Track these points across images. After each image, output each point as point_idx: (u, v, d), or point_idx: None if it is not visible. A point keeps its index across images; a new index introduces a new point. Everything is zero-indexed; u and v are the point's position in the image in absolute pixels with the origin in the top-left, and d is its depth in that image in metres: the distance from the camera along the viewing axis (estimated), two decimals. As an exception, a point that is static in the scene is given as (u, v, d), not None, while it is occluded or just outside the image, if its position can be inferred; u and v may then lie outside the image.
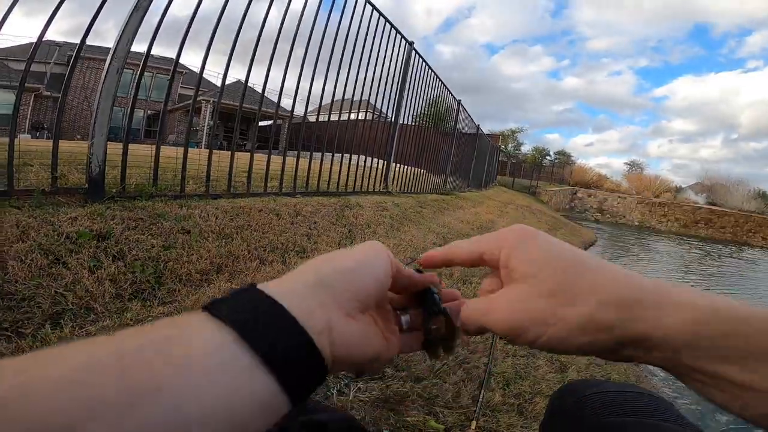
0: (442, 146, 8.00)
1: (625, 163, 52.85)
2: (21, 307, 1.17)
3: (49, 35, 1.84)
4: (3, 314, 1.12)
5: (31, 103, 15.96)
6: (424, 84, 5.96)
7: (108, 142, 2.00)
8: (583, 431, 0.47)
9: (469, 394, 1.29)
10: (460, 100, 8.44)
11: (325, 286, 0.25)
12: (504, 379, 1.48)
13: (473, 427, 1.09)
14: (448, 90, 7.40)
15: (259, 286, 0.24)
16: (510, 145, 39.21)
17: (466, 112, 9.40)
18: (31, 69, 1.90)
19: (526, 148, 41.57)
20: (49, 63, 16.00)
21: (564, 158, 39.24)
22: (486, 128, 16.20)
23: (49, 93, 16.07)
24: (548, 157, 39.20)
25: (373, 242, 0.31)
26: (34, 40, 1.78)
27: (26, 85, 1.89)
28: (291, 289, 0.25)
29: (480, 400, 1.24)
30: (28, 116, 15.67)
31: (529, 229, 0.30)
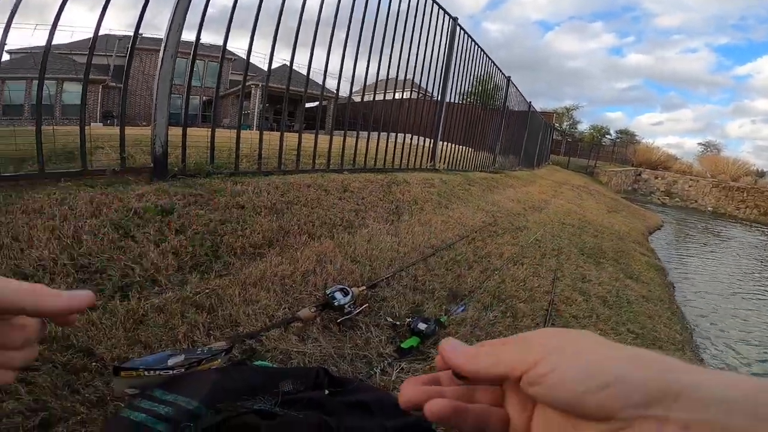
0: (490, 124, 7.73)
1: (699, 144, 47.77)
2: (94, 279, 1.27)
3: (112, 29, 1.96)
4: (77, 286, 1.22)
5: (100, 94, 17.32)
6: (470, 61, 5.73)
7: (168, 127, 2.12)
8: None
9: None
10: (509, 77, 8.08)
11: None
12: None
13: None
14: (497, 66, 7.08)
15: None
16: (565, 123, 36.88)
17: (517, 89, 8.99)
18: (95, 62, 2.04)
19: (584, 127, 38.89)
20: (111, 56, 17.20)
21: (627, 137, 36.29)
22: (538, 106, 15.31)
23: (114, 83, 17.36)
24: (608, 136, 36.42)
25: None
26: (102, 33, 1.90)
27: (92, 77, 2.02)
28: None
29: None
30: (99, 106, 17.05)
31: (548, 332, 0.28)
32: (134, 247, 1.45)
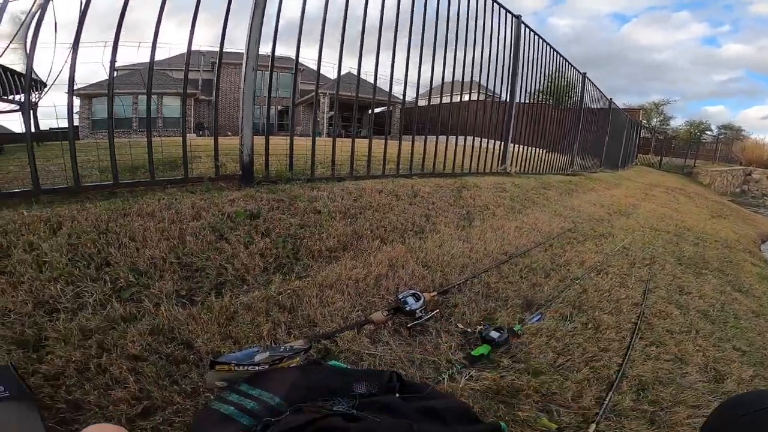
0: (566, 123, 7.26)
1: None
2: (195, 277, 1.44)
3: (195, 45, 2.19)
4: (182, 283, 1.38)
5: (192, 107, 19.41)
6: (539, 59, 5.46)
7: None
8: None
9: (593, 395, 1.14)
10: (585, 73, 7.55)
11: None
12: (640, 383, 1.28)
13: (591, 430, 0.97)
14: (569, 63, 6.66)
15: None
16: (654, 120, 33.16)
17: (594, 85, 8.36)
18: (182, 77, 2.29)
19: (677, 122, 34.59)
20: (198, 70, 19.21)
21: (732, 132, 31.56)
22: (620, 102, 14.06)
23: (204, 96, 19.35)
24: (709, 132, 31.98)
25: None
26: (184, 49, 2.14)
27: (188, 91, 2.28)
28: None
29: (606, 402, 1.11)
30: (192, 118, 19.11)
31: None
32: (227, 248, 1.62)
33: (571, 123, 7.52)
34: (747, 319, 2.38)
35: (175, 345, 1.08)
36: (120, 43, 1.96)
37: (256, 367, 0.86)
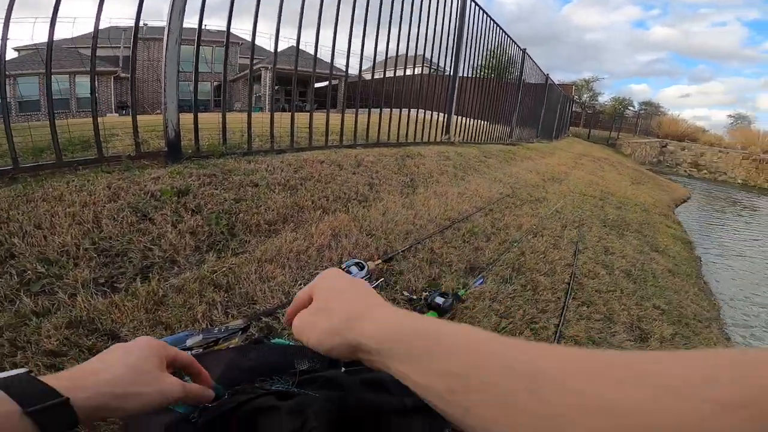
0: (506, 97, 7.54)
1: (729, 116, 45.15)
2: (115, 262, 1.29)
3: (113, 19, 1.93)
4: (100, 270, 1.24)
5: (112, 85, 17.52)
6: (483, 35, 5.54)
7: (181, 114, 2.12)
8: None
9: None
10: (525, 49, 7.83)
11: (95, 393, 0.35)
12: (575, 344, 1.38)
13: None
14: (512, 39, 6.86)
15: (65, 394, 0.33)
16: (585, 95, 35.46)
17: (533, 61, 8.73)
18: (105, 54, 2.02)
19: (605, 98, 37.30)
20: (119, 47, 17.28)
21: (652, 108, 34.68)
22: (556, 79, 14.82)
23: (125, 74, 17.49)
24: (631, 108, 34.89)
25: (145, 341, 0.43)
26: (110, 24, 1.87)
27: (102, 68, 2.01)
28: (91, 407, 0.34)
29: None
30: (112, 97, 17.27)
31: (329, 271, 0.42)
32: (152, 229, 1.47)
33: (511, 96, 7.80)
34: (664, 277, 2.65)
35: (98, 336, 0.98)
36: (13, 19, 1.67)
37: (189, 352, 0.79)
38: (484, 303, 1.44)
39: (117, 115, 12.69)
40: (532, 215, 2.82)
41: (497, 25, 5.93)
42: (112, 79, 17.28)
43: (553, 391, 0.22)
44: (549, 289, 1.71)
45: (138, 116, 2.13)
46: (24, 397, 0.31)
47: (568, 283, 1.84)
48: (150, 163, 2.03)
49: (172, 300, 1.14)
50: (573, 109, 22.48)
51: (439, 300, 1.30)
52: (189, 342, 0.82)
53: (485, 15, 5.42)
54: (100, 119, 1.96)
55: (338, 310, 0.35)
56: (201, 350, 0.81)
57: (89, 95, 1.98)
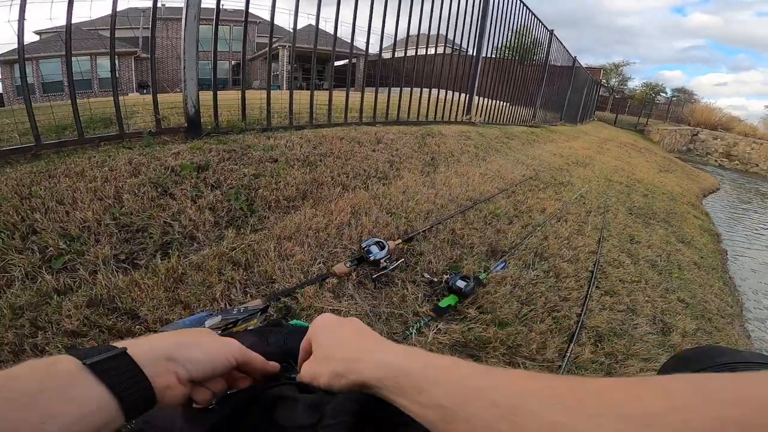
0: (531, 79, 7.27)
1: (766, 106, 42.68)
2: (136, 238, 1.29)
3: (137, 2, 1.88)
4: (120, 246, 1.24)
5: (132, 66, 17.66)
6: (509, 15, 5.31)
7: (201, 92, 2.10)
8: None
9: (555, 346, 1.17)
10: (552, 30, 7.50)
11: (171, 359, 0.37)
12: (597, 335, 1.33)
13: None
14: (539, 20, 6.57)
15: (132, 353, 0.34)
16: (614, 80, 34.04)
17: (561, 43, 8.37)
18: (125, 35, 1.99)
19: (635, 83, 35.75)
20: (138, 27, 17.34)
21: (685, 96, 33.10)
22: (584, 62, 14.29)
23: (145, 55, 17.60)
24: (663, 94, 33.34)
25: (227, 342, 0.44)
26: (129, 5, 1.83)
27: (122, 50, 1.98)
28: (150, 358, 0.36)
29: (568, 354, 1.14)
30: (133, 77, 17.43)
31: (321, 318, 0.46)
32: (173, 204, 1.47)
33: (535, 78, 7.53)
34: (689, 270, 2.54)
35: (118, 316, 0.98)
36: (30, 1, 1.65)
37: None
38: (505, 288, 1.40)
39: (138, 94, 12.85)
40: (556, 199, 2.73)
41: (523, 3, 5.67)
42: (133, 60, 17.44)
43: (532, 423, 0.24)
44: (572, 276, 1.66)
45: (158, 95, 2.13)
46: (82, 354, 0.32)
47: (592, 272, 1.78)
48: (170, 139, 2.02)
49: (191, 278, 1.14)
50: (600, 93, 21.67)
51: (461, 284, 1.27)
52: (208, 323, 0.81)
53: None
54: (121, 98, 1.96)
55: (338, 358, 0.38)
56: (219, 332, 0.80)
57: (109, 77, 1.97)
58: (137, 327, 0.95)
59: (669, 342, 1.47)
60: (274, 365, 0.49)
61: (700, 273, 2.63)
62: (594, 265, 1.86)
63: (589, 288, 1.61)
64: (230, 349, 0.43)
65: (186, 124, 2.09)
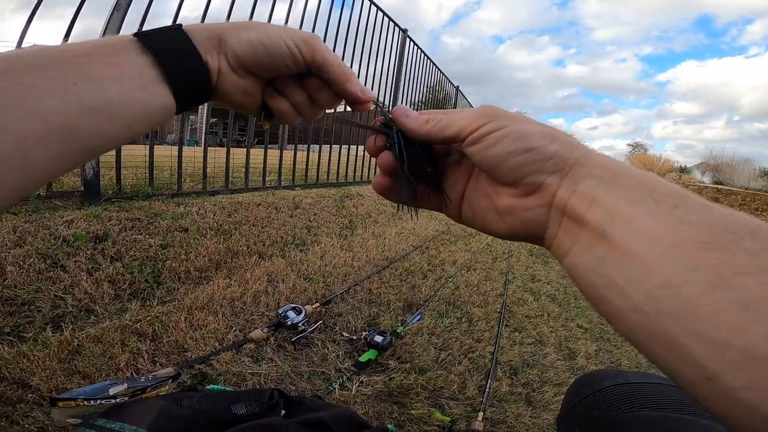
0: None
1: (628, 144, 52.32)
2: (21, 311, 1.16)
3: (44, 40, 1.81)
4: (4, 319, 1.11)
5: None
6: (421, 72, 5.91)
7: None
8: (602, 428, 0.43)
9: (475, 384, 1.26)
10: (458, 86, 8.48)
11: (224, 42, 0.31)
12: (511, 368, 1.45)
13: (480, 418, 1.07)
14: (446, 77, 7.39)
15: (185, 29, 0.31)
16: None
17: (465, 98, 9.45)
18: None
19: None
20: None
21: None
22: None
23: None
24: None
25: (293, 29, 0.34)
26: (32, 45, 1.75)
27: None
28: (203, 35, 0.31)
29: (487, 390, 1.23)
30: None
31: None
32: (65, 277, 1.34)
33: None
34: (584, 299, 2.89)
35: (6, 385, 0.88)
36: None
37: (113, 401, 0.73)
38: (422, 338, 1.48)
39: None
40: (466, 250, 2.98)
41: (432, 62, 6.34)
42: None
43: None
44: (483, 319, 1.80)
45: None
46: (140, 33, 0.29)
47: (501, 312, 1.95)
48: (63, 204, 1.85)
49: (89, 350, 1.04)
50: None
51: (378, 338, 1.32)
52: (112, 391, 0.75)
53: (422, 52, 5.78)
54: None
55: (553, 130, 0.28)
56: (126, 398, 0.75)
57: None
58: (29, 395, 0.87)
59: (576, 365, 1.63)
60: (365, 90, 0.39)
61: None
62: (502, 306, 2.04)
63: (499, 327, 1.76)
64: (293, 33, 0.33)
65: (82, 188, 1.94)
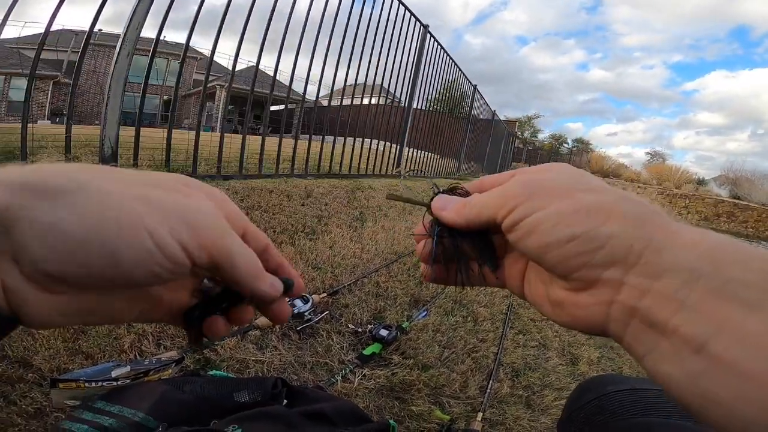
0: (456, 131, 7.91)
1: (647, 153, 51.13)
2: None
3: (72, 23, 1.83)
4: None
5: (50, 90, 16.20)
6: (439, 69, 5.84)
7: (122, 126, 2.01)
8: None
9: (476, 384, 1.26)
10: (476, 85, 8.31)
11: (8, 230, 0.19)
12: (513, 370, 1.44)
13: (479, 418, 1.07)
14: (464, 75, 7.26)
15: None
16: (527, 132, 38.46)
17: (482, 97, 9.27)
18: (50, 57, 1.90)
19: (544, 135, 40.77)
20: (66, 51, 16.15)
21: (582, 146, 38.41)
22: (505, 115, 15.92)
23: (66, 79, 16.24)
24: (566, 145, 38.39)
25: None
26: (61, 28, 1.78)
27: (44, 72, 1.88)
28: None
29: (488, 391, 1.22)
30: (48, 103, 15.92)
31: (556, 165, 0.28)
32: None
33: (461, 130, 8.19)
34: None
35: (8, 363, 0.90)
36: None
37: (114, 383, 0.75)
38: (427, 334, 1.48)
39: (49, 122, 11.68)
40: (476, 247, 2.95)
41: (452, 58, 6.26)
42: (51, 84, 15.96)
43: None
44: (488, 319, 1.79)
45: (73, 126, 1.99)
46: None
47: (506, 314, 1.93)
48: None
49: (94, 329, 1.06)
50: (516, 145, 24.20)
51: (383, 332, 1.32)
52: (114, 373, 0.77)
53: (441, 48, 5.71)
54: (30, 126, 1.80)
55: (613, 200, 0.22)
56: (128, 381, 0.76)
57: (20, 99, 1.83)
58: (30, 375, 0.88)
59: (578, 371, 1.62)
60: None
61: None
62: (508, 307, 2.02)
63: (504, 329, 1.75)
64: (174, 223, 0.22)
65: (99, 164, 1.97)
